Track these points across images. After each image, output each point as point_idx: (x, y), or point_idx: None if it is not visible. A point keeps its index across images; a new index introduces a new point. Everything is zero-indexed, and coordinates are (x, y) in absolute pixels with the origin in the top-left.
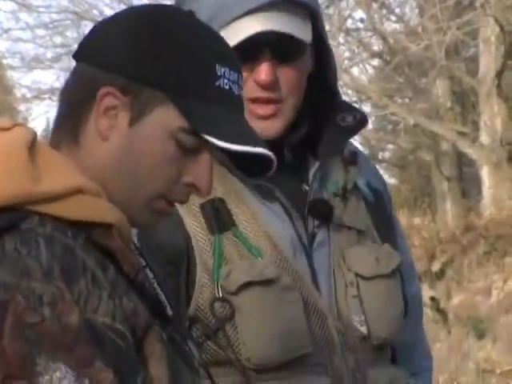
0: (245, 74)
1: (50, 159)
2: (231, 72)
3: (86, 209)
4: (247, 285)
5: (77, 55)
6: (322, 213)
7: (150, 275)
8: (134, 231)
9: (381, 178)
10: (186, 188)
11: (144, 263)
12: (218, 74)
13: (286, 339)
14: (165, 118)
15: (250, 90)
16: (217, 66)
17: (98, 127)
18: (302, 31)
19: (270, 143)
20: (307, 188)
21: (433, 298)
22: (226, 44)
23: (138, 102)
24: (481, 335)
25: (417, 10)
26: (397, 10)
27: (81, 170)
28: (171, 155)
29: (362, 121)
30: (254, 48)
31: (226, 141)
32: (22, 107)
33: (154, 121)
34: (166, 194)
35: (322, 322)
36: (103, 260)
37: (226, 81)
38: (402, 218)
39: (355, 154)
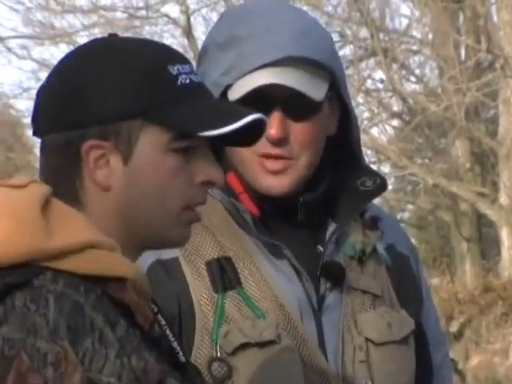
0: None
1: (64, 215)
2: (182, 66)
3: (99, 263)
4: (244, 346)
5: (37, 132)
6: (335, 275)
7: (162, 322)
8: None
9: (408, 240)
10: (202, 188)
11: (156, 310)
12: (174, 73)
13: None
14: (152, 140)
15: (260, 144)
16: (168, 67)
17: (97, 181)
18: (312, 89)
19: (282, 200)
20: (321, 249)
21: (451, 359)
22: (160, 44)
23: (121, 140)
24: None
25: (436, 71)
26: (417, 71)
27: (94, 226)
28: (175, 167)
29: (381, 186)
30: (266, 102)
31: (217, 127)
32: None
33: (144, 148)
34: (189, 202)
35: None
36: (114, 316)
37: (184, 76)
38: None
39: (376, 218)
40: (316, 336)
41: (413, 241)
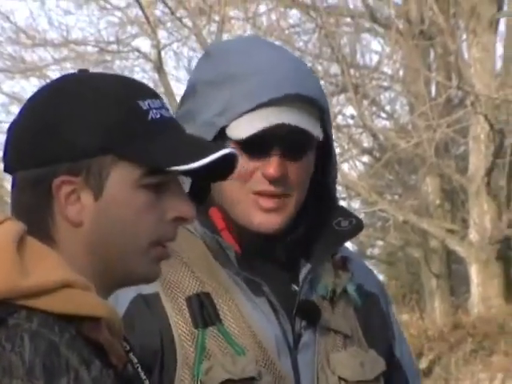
0: (252, 166)
1: (38, 253)
2: (153, 101)
3: (73, 302)
4: (226, 382)
5: (8, 169)
6: (311, 314)
7: (135, 360)
8: None
9: (376, 279)
10: (173, 224)
11: (128, 348)
12: (145, 108)
13: None
14: (123, 176)
15: (256, 182)
16: (139, 103)
17: (68, 217)
18: (312, 126)
19: (271, 238)
20: (296, 288)
21: None
22: (131, 80)
23: (92, 176)
24: None
25: (407, 108)
26: (387, 107)
27: (67, 263)
28: (146, 203)
29: (357, 226)
30: (265, 142)
31: (187, 162)
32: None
33: (115, 184)
34: (159, 238)
35: None
36: (89, 356)
37: (154, 111)
38: None
39: (346, 259)
40: (292, 374)
41: (382, 277)
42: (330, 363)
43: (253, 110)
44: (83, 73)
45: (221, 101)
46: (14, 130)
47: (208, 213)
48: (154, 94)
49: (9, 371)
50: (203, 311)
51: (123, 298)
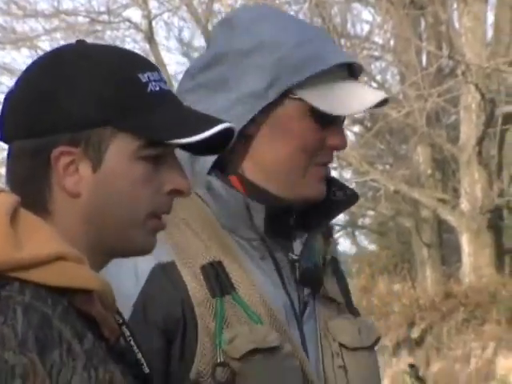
0: (320, 135)
1: (32, 225)
2: (152, 73)
3: (67, 275)
4: (252, 352)
5: (4, 138)
6: (313, 282)
7: (127, 333)
8: (131, 303)
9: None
10: (169, 197)
11: (121, 321)
12: (144, 81)
13: None
14: (122, 147)
15: (325, 154)
16: (139, 75)
17: (66, 188)
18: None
19: (286, 208)
20: (293, 256)
21: (411, 365)
22: (130, 52)
23: (91, 148)
24: None
25: (398, 77)
26: (378, 77)
27: (61, 235)
28: (144, 174)
29: (353, 197)
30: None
31: (187, 135)
32: (2, 171)
33: (114, 155)
34: (155, 210)
35: None
36: (81, 329)
37: (153, 83)
38: (382, 284)
39: (332, 227)
40: (300, 342)
41: (374, 246)
42: (329, 330)
43: (323, 78)
44: (82, 44)
45: (267, 70)
46: (10, 99)
47: (229, 179)
48: (152, 67)
49: (1, 343)
50: (219, 280)
51: (143, 267)
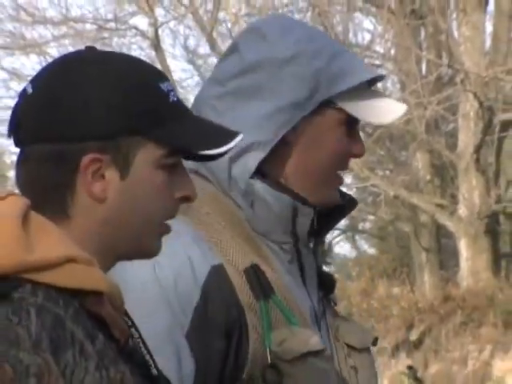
0: (347, 144)
1: (42, 228)
2: (168, 84)
3: (77, 277)
4: (305, 355)
5: (21, 142)
6: (329, 285)
7: (136, 335)
8: (192, 304)
9: None
10: (178, 203)
11: (130, 323)
12: (166, 91)
13: None
14: (148, 156)
15: (347, 163)
16: (160, 85)
17: (93, 193)
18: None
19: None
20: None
21: (410, 367)
22: (146, 63)
23: (120, 156)
24: None
25: (398, 85)
26: (379, 85)
27: (76, 239)
28: (164, 182)
29: (353, 203)
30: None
31: (216, 146)
32: (10, 174)
33: (141, 164)
34: (168, 216)
35: None
36: (92, 330)
37: (172, 94)
38: (381, 287)
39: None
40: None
41: (373, 250)
42: (339, 332)
43: (354, 89)
44: (94, 51)
45: (306, 80)
46: (27, 103)
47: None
48: (166, 77)
49: (16, 344)
50: (260, 283)
51: (200, 269)
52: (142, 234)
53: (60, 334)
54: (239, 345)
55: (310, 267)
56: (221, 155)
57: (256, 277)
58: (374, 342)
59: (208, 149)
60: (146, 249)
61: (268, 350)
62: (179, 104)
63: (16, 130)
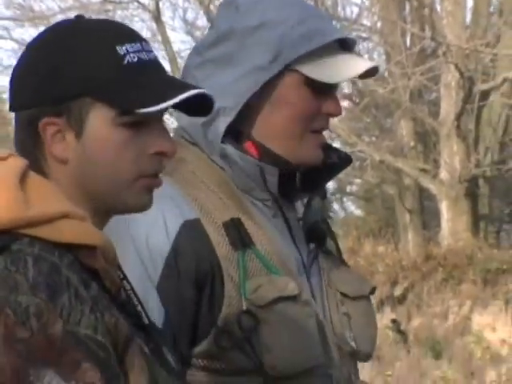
0: (317, 104)
1: (40, 187)
2: (132, 45)
3: (72, 232)
4: (276, 300)
5: (11, 108)
6: (319, 237)
7: (127, 287)
8: (163, 257)
9: None
10: (155, 158)
11: (122, 276)
12: (122, 53)
13: (306, 349)
14: (101, 116)
15: (320, 120)
16: (117, 48)
17: (55, 155)
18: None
19: (292, 171)
20: (298, 215)
21: (394, 321)
22: (113, 25)
23: (73, 117)
24: (438, 355)
25: (384, 57)
26: (366, 57)
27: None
28: (124, 140)
29: (347, 159)
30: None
31: (154, 104)
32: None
33: (94, 124)
34: (142, 171)
35: (325, 335)
36: (87, 278)
37: (132, 55)
38: (367, 246)
39: (326, 189)
40: (309, 292)
41: (360, 212)
42: (332, 281)
43: (318, 51)
44: (77, 19)
45: (271, 45)
46: (13, 72)
47: (244, 145)
48: (133, 38)
49: (15, 289)
50: (239, 235)
51: (172, 224)
52: (116, 191)
53: (56, 279)
54: (213, 294)
55: (294, 221)
56: (200, 113)
57: (236, 230)
58: (372, 291)
59: (148, 106)
60: (128, 204)
61: (243, 297)
62: (137, 64)
63: (9, 97)
